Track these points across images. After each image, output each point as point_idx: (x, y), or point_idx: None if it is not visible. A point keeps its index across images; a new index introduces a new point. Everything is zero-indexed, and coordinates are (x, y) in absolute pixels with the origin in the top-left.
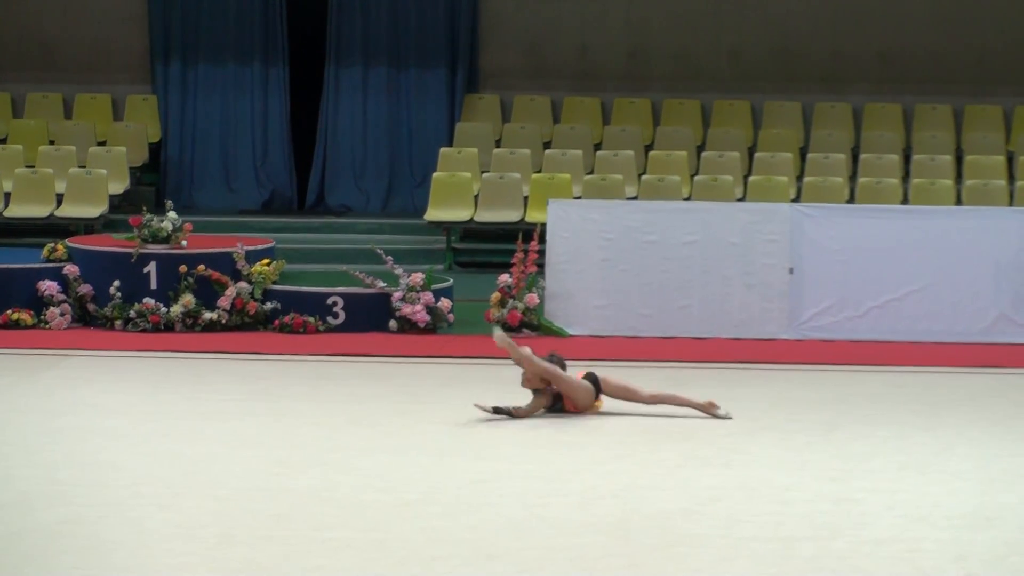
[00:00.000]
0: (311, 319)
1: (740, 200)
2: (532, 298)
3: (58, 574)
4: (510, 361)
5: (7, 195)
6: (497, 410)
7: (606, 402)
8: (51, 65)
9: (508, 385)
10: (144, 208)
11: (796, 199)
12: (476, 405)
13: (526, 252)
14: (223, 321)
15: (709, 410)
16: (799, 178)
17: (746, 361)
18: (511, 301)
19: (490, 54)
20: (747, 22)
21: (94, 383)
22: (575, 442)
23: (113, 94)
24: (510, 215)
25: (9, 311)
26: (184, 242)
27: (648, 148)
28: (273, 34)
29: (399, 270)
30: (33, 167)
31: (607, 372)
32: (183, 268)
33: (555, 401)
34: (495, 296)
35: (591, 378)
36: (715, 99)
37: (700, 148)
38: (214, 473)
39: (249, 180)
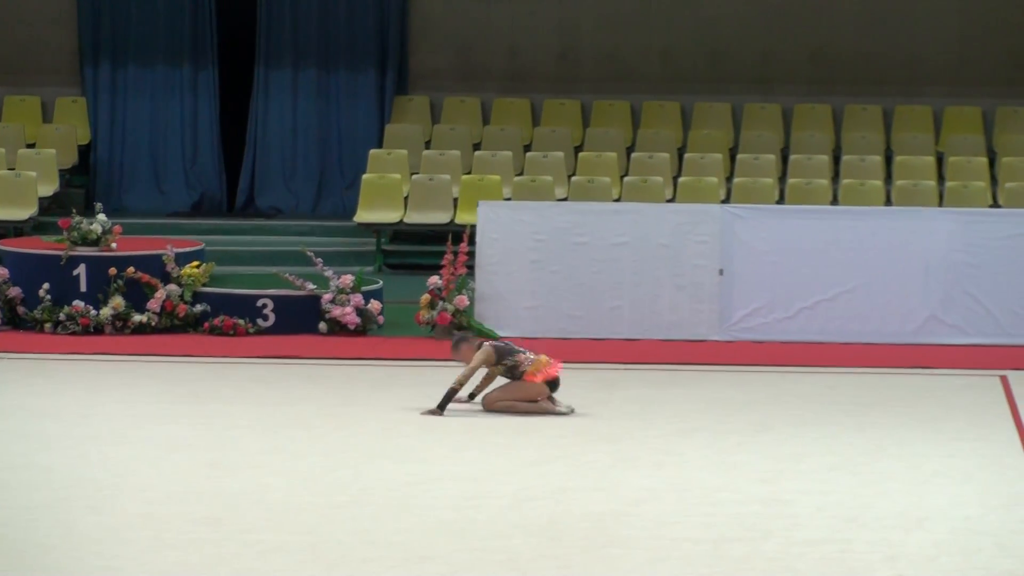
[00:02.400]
0: (241, 321)
1: (670, 201)
2: (462, 300)
3: None
4: (437, 363)
5: None
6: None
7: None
8: None
9: (438, 387)
10: (73, 210)
11: (726, 200)
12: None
13: (456, 254)
14: (153, 324)
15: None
16: (729, 179)
17: (676, 362)
18: (441, 303)
19: (420, 56)
20: (677, 23)
21: (24, 386)
22: (507, 444)
23: (42, 96)
24: (440, 217)
25: None
26: (114, 244)
27: (578, 149)
28: (202, 36)
29: (329, 272)
30: None
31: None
32: (113, 271)
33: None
34: (425, 298)
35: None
36: (645, 100)
37: (630, 149)
38: (145, 476)
39: (179, 182)
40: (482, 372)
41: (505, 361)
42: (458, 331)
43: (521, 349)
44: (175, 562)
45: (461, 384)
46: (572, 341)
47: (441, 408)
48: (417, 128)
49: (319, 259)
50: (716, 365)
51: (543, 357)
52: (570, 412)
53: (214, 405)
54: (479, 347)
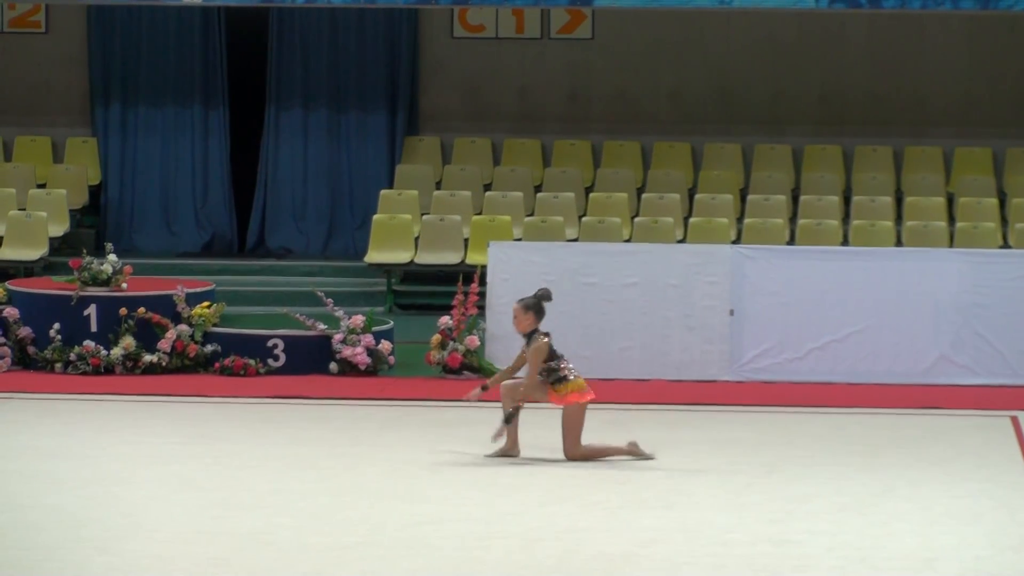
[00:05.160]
0: (252, 361)
1: (680, 242)
2: (472, 340)
3: None
4: (448, 403)
5: None
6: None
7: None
8: None
9: (448, 428)
10: (84, 251)
11: (736, 241)
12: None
13: (466, 294)
14: (163, 364)
15: (632, 451)
16: (739, 220)
17: (687, 403)
18: (451, 343)
19: (430, 96)
20: (687, 64)
21: (34, 426)
22: (515, 484)
23: (53, 136)
24: (450, 257)
25: None
26: (124, 285)
27: (588, 190)
28: (213, 76)
29: (339, 312)
30: None
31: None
32: (123, 311)
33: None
34: (435, 338)
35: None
36: (655, 141)
37: (640, 190)
38: (154, 516)
39: (189, 222)
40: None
41: (551, 362)
42: (539, 301)
43: (563, 366)
44: None
45: (523, 398)
46: None
47: (507, 422)
48: (428, 168)
49: (329, 299)
50: (726, 406)
51: (581, 380)
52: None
53: (224, 445)
54: (532, 337)
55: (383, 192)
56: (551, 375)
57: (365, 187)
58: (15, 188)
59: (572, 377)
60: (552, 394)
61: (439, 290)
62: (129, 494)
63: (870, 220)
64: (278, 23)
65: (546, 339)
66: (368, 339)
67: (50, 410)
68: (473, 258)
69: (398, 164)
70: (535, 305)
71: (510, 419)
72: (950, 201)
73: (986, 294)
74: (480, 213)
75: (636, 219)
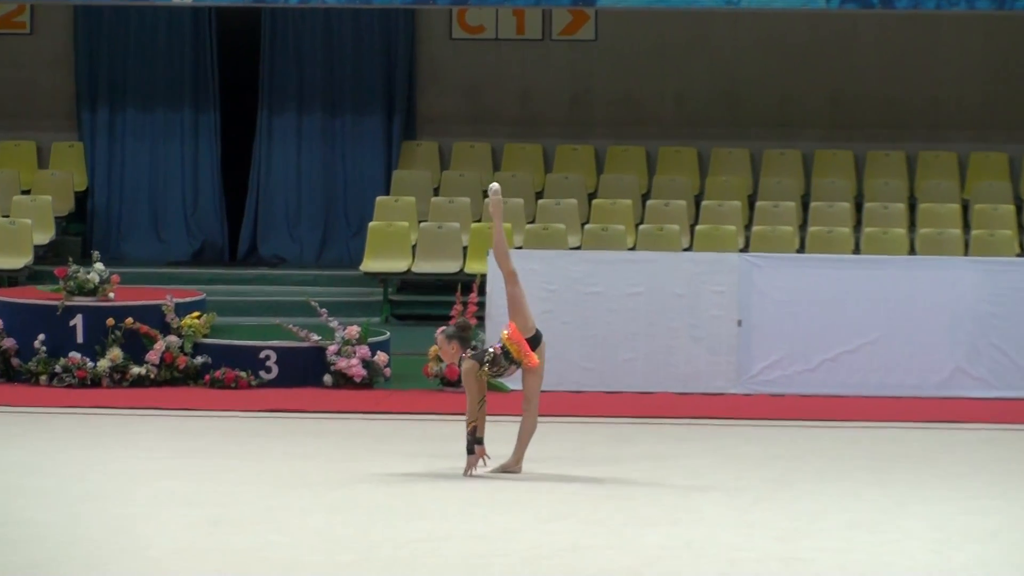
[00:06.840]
0: (243, 374)
1: (687, 250)
2: None
3: None
4: (446, 417)
5: None
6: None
7: None
8: None
9: (447, 442)
10: (70, 259)
11: (744, 249)
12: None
13: (465, 304)
14: (152, 376)
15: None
16: (747, 227)
17: (693, 416)
18: None
19: (428, 99)
20: (693, 66)
21: (18, 441)
22: (516, 501)
23: (38, 141)
24: (449, 266)
25: None
26: (111, 294)
27: (591, 196)
28: (204, 78)
29: (334, 323)
30: None
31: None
32: (110, 321)
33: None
34: (433, 350)
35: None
36: (660, 145)
37: (645, 196)
38: (144, 533)
39: (179, 230)
40: (475, 398)
41: (486, 362)
42: (460, 331)
43: (486, 347)
44: None
45: (473, 419)
46: (584, 394)
47: (472, 451)
48: (425, 174)
49: (324, 309)
50: (734, 419)
51: (504, 333)
52: None
53: (216, 460)
54: (460, 362)
55: (379, 199)
56: (497, 365)
57: (361, 193)
58: None
59: (501, 348)
60: (524, 364)
61: (437, 300)
62: (118, 510)
63: (883, 227)
64: (271, 24)
65: (469, 357)
66: (364, 351)
67: (35, 424)
68: (472, 267)
69: (395, 170)
70: (456, 335)
71: (471, 448)
72: (965, 208)
73: (1003, 304)
74: (480, 220)
75: (641, 226)
